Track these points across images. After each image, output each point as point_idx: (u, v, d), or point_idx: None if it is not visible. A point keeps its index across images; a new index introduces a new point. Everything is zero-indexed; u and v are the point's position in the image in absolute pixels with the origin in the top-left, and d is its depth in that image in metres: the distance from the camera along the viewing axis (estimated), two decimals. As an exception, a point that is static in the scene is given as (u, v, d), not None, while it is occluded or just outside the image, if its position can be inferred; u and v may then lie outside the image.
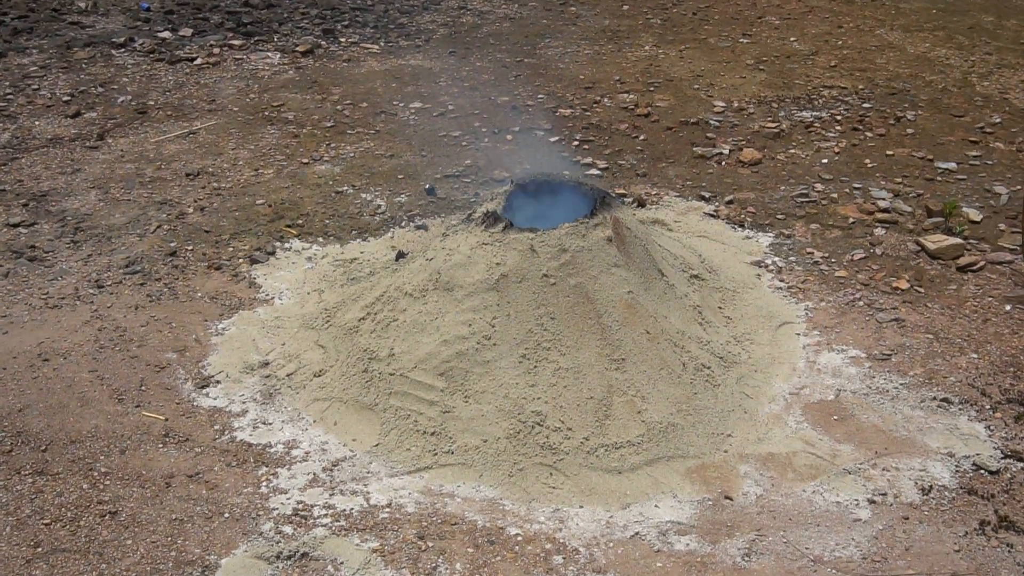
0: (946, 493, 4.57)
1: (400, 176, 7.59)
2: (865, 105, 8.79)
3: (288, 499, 4.51)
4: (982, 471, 4.69)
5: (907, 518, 4.42)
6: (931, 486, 4.60)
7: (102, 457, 4.76)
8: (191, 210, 7.05)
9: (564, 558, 4.21)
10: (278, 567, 4.15)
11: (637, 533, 4.35)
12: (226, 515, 4.42)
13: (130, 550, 4.23)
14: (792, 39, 10.57)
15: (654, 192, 7.25)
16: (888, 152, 7.89)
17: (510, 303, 5.02)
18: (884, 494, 4.56)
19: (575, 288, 5.06)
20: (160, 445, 4.85)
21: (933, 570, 4.15)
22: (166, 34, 10.65)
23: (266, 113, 8.79)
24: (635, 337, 5.06)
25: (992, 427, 4.97)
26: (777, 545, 4.28)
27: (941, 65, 9.73)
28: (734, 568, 4.17)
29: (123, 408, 5.09)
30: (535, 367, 4.90)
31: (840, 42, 10.47)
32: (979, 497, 4.54)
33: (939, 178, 7.48)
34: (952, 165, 7.63)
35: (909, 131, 8.27)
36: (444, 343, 5.01)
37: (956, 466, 4.72)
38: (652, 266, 5.44)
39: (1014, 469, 4.71)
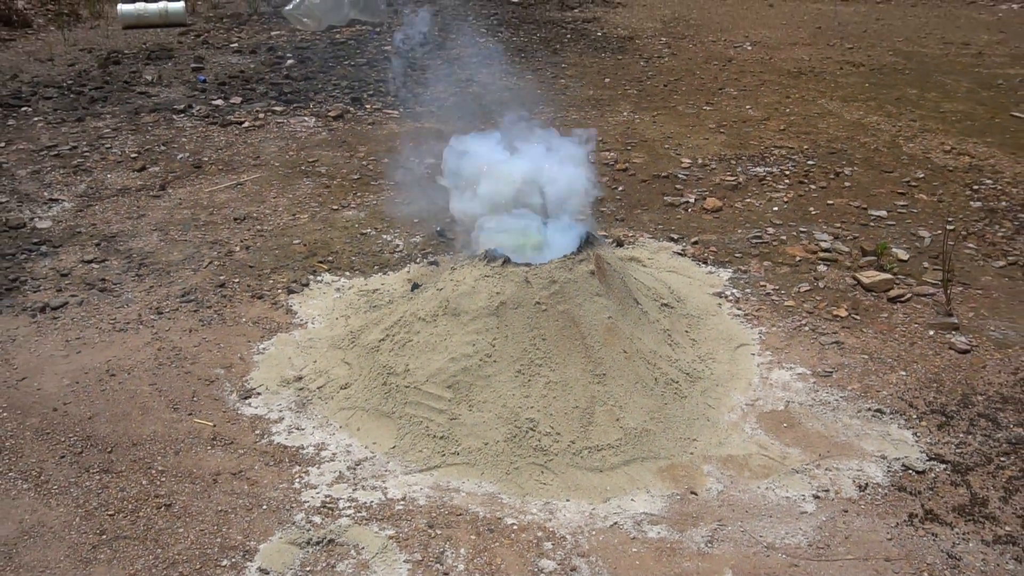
0: (879, 490, 4.54)
1: (415, 220, 7.60)
2: (809, 162, 8.82)
3: (317, 493, 4.49)
4: (910, 471, 4.66)
5: (846, 511, 4.39)
6: (867, 484, 4.57)
7: (159, 457, 4.73)
8: (238, 249, 7.06)
9: (553, 544, 4.18)
10: (308, 551, 4.11)
11: (616, 523, 4.31)
12: (264, 507, 4.39)
13: (182, 537, 4.19)
14: (748, 107, 10.62)
15: (631, 234, 7.26)
16: (829, 202, 7.90)
17: (508, 326, 5.02)
18: (827, 490, 4.53)
19: (563, 314, 5.06)
20: (208, 447, 4.82)
21: (869, 555, 4.11)
22: (219, 102, 10.71)
23: (302, 167, 8.82)
24: (614, 356, 5.05)
25: (919, 434, 4.95)
26: (736, 534, 4.25)
27: (873, 129, 9.77)
28: (698, 553, 4.13)
29: (178, 416, 5.07)
30: (529, 381, 4.89)
31: (788, 110, 10.52)
32: (908, 493, 4.51)
33: (872, 223, 7.49)
34: (883, 213, 7.64)
35: (846, 184, 8.29)
36: (451, 360, 5.00)
37: (888, 467, 4.70)
38: (628, 295, 5.43)
39: (938, 470, 4.68)
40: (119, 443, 4.82)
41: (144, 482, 4.54)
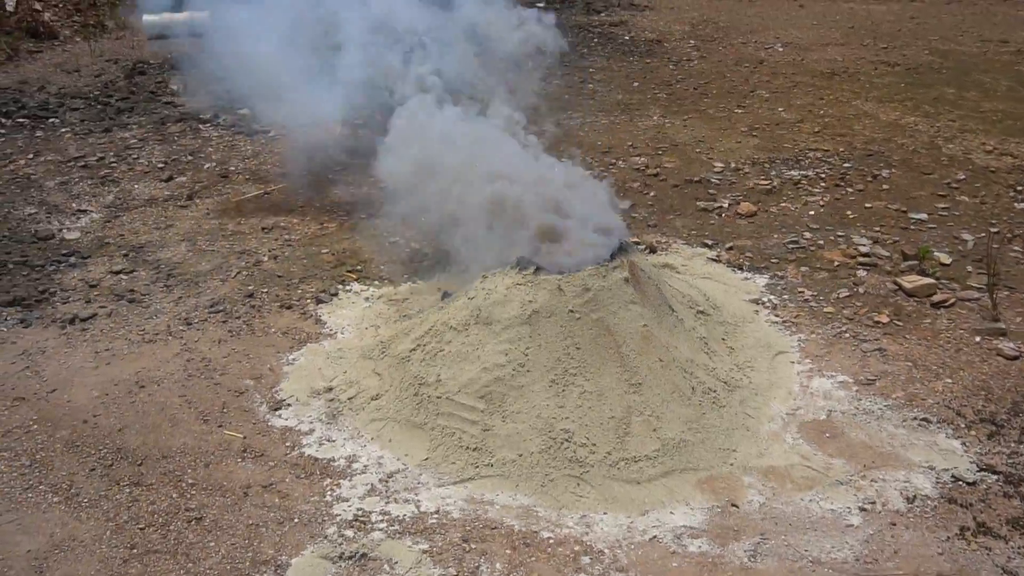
0: (929, 502, 4.44)
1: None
2: (845, 165, 8.71)
3: (349, 507, 4.45)
4: (960, 482, 4.56)
5: (894, 524, 4.29)
6: (915, 496, 4.47)
7: (189, 470, 4.72)
8: (266, 258, 7.07)
9: (591, 559, 4.11)
10: (341, 566, 4.08)
11: (655, 537, 4.24)
12: (296, 520, 4.36)
13: (213, 551, 4.17)
14: (780, 109, 10.52)
15: (664, 240, 7.20)
16: (867, 205, 7.79)
17: (541, 335, 4.97)
18: (873, 503, 4.43)
19: (597, 322, 5.00)
20: (239, 460, 4.81)
21: (919, 571, 4.01)
22: (245, 111, 10.73)
23: (329, 176, 8.81)
24: (650, 364, 4.98)
25: (967, 443, 4.84)
26: (780, 548, 4.16)
27: (911, 130, 9.64)
28: (741, 568, 4.05)
29: (208, 428, 5.06)
30: (563, 391, 4.84)
31: (822, 112, 10.40)
32: (959, 506, 4.41)
33: (912, 227, 7.37)
34: (923, 216, 7.53)
35: (885, 187, 8.17)
36: (484, 370, 4.96)
37: (937, 478, 4.60)
38: (664, 303, 5.37)
39: (989, 481, 4.57)
40: (149, 455, 4.81)
41: (174, 495, 4.53)
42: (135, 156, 9.32)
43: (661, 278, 5.61)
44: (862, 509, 4.39)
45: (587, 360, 4.91)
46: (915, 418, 5.04)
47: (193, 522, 4.35)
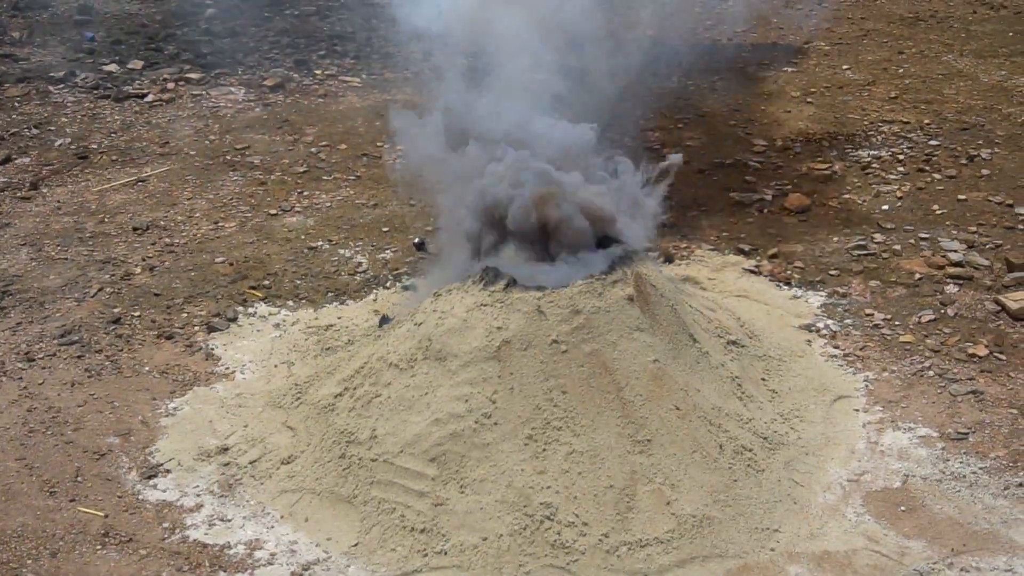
0: (1038, 599, 4.53)
1: (385, 229, 7.65)
2: (932, 142, 8.88)
3: (250, 611, 4.49)
4: (1080, 572, 4.65)
5: (991, 629, 4.37)
6: (1020, 590, 4.56)
7: (29, 561, 4.75)
8: (138, 270, 7.11)
9: None
10: None
11: (667, 649, 4.31)
12: (175, 631, 4.39)
13: (60, 672, 4.19)
14: (845, 67, 10.71)
15: (684, 245, 7.30)
16: (960, 196, 7.94)
17: (513, 375, 5.03)
18: (963, 600, 4.52)
19: (590, 356, 5.07)
20: (98, 547, 4.83)
21: None
22: (112, 67, 10.83)
23: (228, 157, 8.90)
24: (662, 414, 5.06)
25: (1090, 519, 4.94)
26: (836, 662, 4.23)
27: (1021, 95, 9.85)
28: None
29: (55, 503, 5.09)
30: (544, 450, 4.90)
31: (901, 70, 10.60)
32: (1077, 603, 4.50)
33: (1020, 226, 7.52)
34: (1035, 210, 7.69)
35: (984, 172, 8.33)
36: (436, 422, 5.01)
37: (1049, 566, 4.69)
38: (682, 330, 5.45)
39: (1118, 569, 4.66)
40: (-26, 542, 4.83)
41: (8, 596, 4.56)
42: (-42, 129, 9.36)
43: (679, 296, 5.69)
44: (950, 610, 4.47)
45: (577, 409, 4.98)
46: (1021, 485, 5.14)
47: (34, 633, 4.37)
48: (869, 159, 8.63)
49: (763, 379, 5.78)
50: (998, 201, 7.88)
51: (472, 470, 4.89)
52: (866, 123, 9.34)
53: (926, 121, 9.31)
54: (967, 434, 5.50)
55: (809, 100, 9.90)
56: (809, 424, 5.56)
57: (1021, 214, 7.68)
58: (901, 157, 8.64)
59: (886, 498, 5.10)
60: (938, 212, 7.76)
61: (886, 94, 9.98)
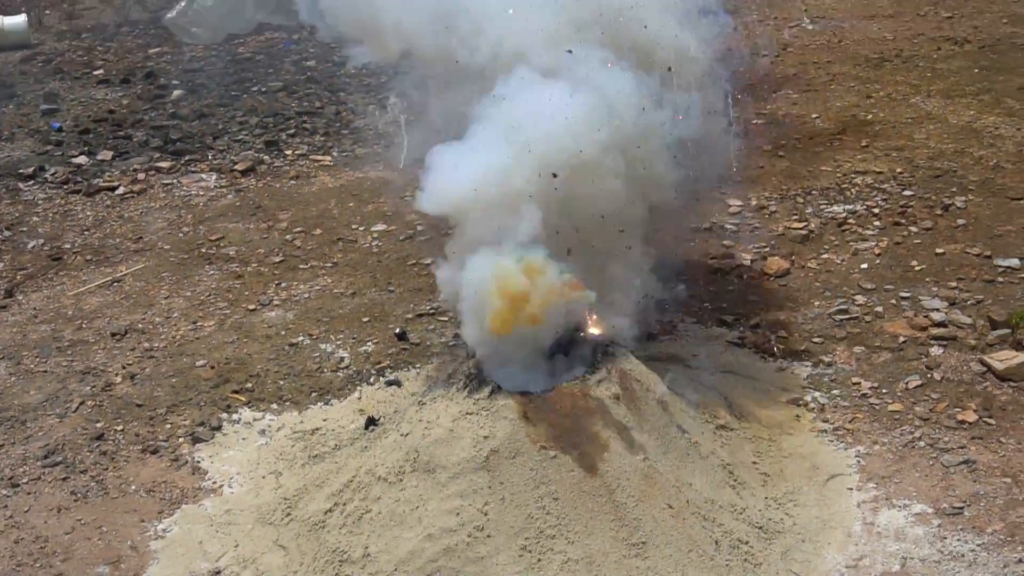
0: None
1: (365, 319, 7.64)
2: (906, 192, 8.93)
3: None
4: (1085, 654, 4.65)
5: None
6: (1026, 677, 4.55)
7: None
8: (119, 379, 7.08)
9: None
10: None
11: None
12: None
13: None
14: (814, 116, 10.78)
15: (665, 319, 7.28)
16: (938, 250, 7.98)
17: (504, 484, 5.03)
18: None
19: (580, 460, 5.07)
20: None
21: None
22: (81, 159, 10.82)
23: (203, 250, 8.89)
24: (656, 514, 5.06)
25: (1093, 594, 4.95)
26: None
27: (990, 136, 9.91)
28: None
29: (47, 644, 5.04)
30: (539, 560, 4.89)
31: (870, 116, 10.68)
32: None
33: (1000, 279, 7.55)
34: (1015, 262, 7.72)
35: (960, 221, 8.38)
36: (428, 538, 4.99)
37: (1053, 649, 4.68)
38: (670, 423, 5.47)
39: (1122, 648, 4.67)
40: None
41: None
42: (-72, 236, 9.33)
43: (664, 387, 5.69)
44: None
45: (570, 515, 4.98)
46: (1020, 561, 5.14)
47: None
48: (845, 214, 8.67)
49: (754, 462, 5.79)
50: (976, 253, 7.92)
51: (468, 585, 4.87)
52: (839, 175, 9.39)
53: (899, 170, 9.37)
54: (962, 508, 5.51)
55: (780, 153, 9.95)
56: (803, 508, 5.57)
57: (1000, 266, 7.71)
58: (876, 211, 8.68)
59: (886, 584, 5.11)
60: (917, 268, 7.79)
61: (857, 143, 10.05)
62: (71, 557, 5.57)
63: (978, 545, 5.28)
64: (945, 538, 5.34)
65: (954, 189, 8.94)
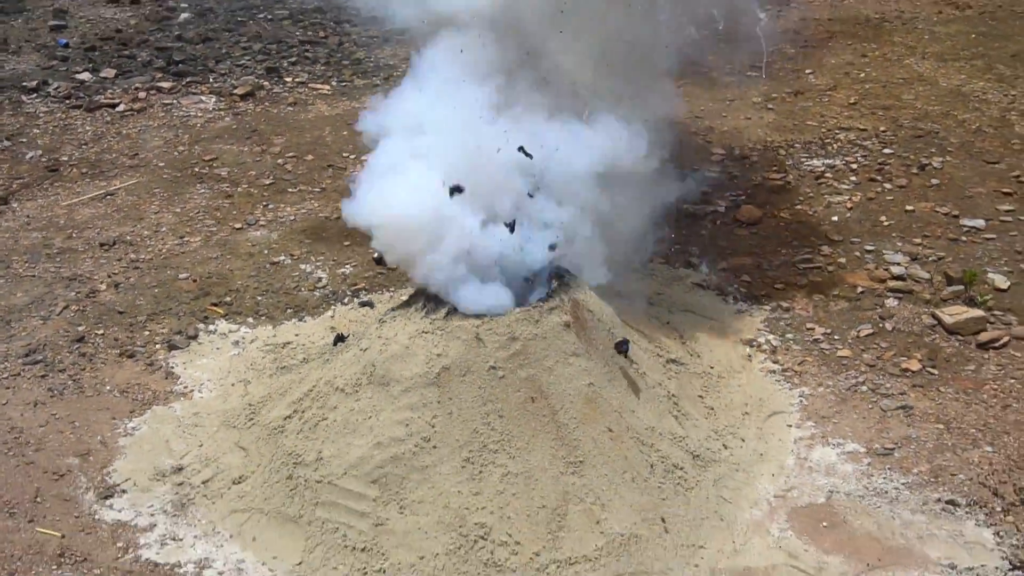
0: (944, 613, 4.80)
1: (347, 243, 7.88)
2: (886, 151, 9.11)
3: (196, 629, 4.76)
4: (987, 586, 4.93)
5: (897, 642, 4.65)
6: (928, 605, 4.84)
7: (-13, 581, 5.01)
8: (103, 287, 7.36)
9: None
10: None
11: (589, 664, 4.58)
12: (125, 650, 4.66)
13: None
14: (808, 72, 10.93)
15: (635, 258, 7.48)
16: (908, 207, 8.18)
17: (452, 400, 5.29)
18: (874, 614, 4.79)
19: (527, 381, 5.33)
20: (54, 567, 5.10)
21: None
22: (85, 75, 11.04)
23: (196, 169, 9.13)
24: (596, 436, 5.32)
25: (1002, 533, 5.21)
26: (747, 676, 4.51)
27: (977, 101, 10.06)
28: None
29: (14, 523, 5.35)
30: (480, 472, 5.16)
31: (863, 74, 10.82)
32: (981, 617, 4.78)
33: (963, 238, 7.76)
34: (980, 222, 7.92)
35: (934, 181, 8.57)
36: (378, 446, 5.27)
37: (957, 581, 4.96)
38: (619, 353, 5.70)
39: (1023, 584, 4.94)
40: (-66, 563, 5.10)
41: (-34, 617, 4.83)
42: (-69, 142, 9.59)
43: (617, 319, 5.94)
44: (859, 623, 4.75)
45: (513, 432, 5.24)
46: (939, 500, 5.41)
47: (-11, 653, 4.64)
48: (823, 168, 8.87)
49: (700, 396, 6.05)
50: (944, 212, 8.12)
51: (411, 492, 5.15)
52: (823, 130, 9.57)
53: (882, 128, 9.55)
54: (893, 450, 5.78)
55: (770, 106, 10.13)
56: (742, 441, 5.83)
57: (966, 226, 7.92)
58: (854, 166, 8.88)
59: (810, 514, 5.38)
60: (885, 224, 8.00)
61: (846, 100, 10.22)
62: (43, 448, 5.87)
63: (902, 484, 5.55)
64: (872, 476, 5.61)
65: (933, 150, 9.12)
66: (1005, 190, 8.42)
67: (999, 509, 5.37)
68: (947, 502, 5.41)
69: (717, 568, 5.07)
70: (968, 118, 9.72)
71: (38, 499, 5.51)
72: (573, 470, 5.22)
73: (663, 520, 5.21)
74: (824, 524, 5.31)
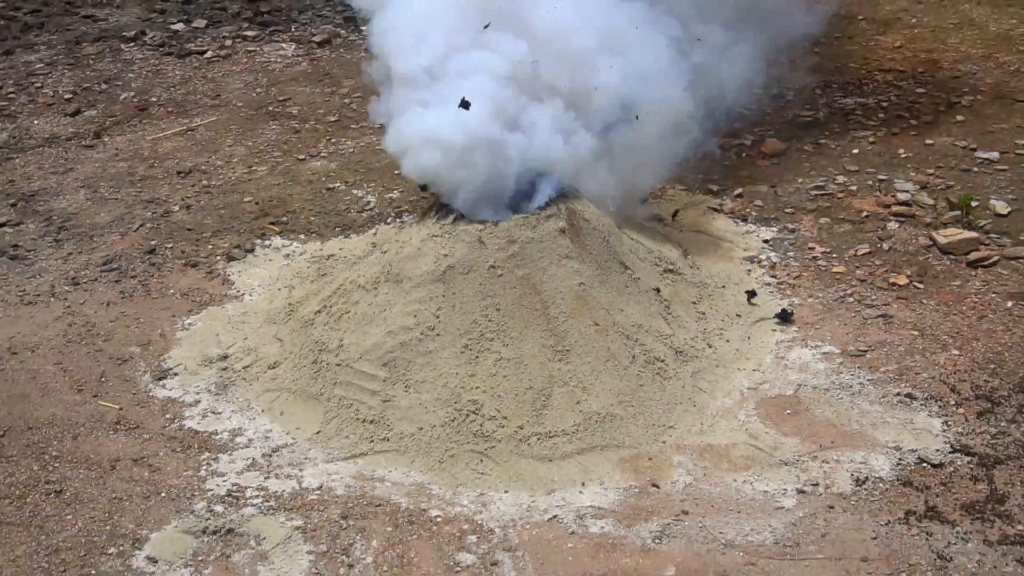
0: (880, 484, 5.34)
1: (397, 172, 8.50)
2: (919, 90, 9.48)
3: (224, 481, 5.54)
4: (924, 464, 5.44)
5: (832, 508, 5.21)
6: (867, 478, 5.38)
7: (55, 442, 5.87)
8: (176, 208, 8.20)
9: (478, 537, 5.13)
10: (203, 541, 5.17)
11: (555, 516, 5.24)
12: (163, 495, 5.47)
13: (69, 524, 5.30)
14: (860, 17, 11.25)
15: (659, 186, 8.07)
16: (928, 141, 8.58)
17: (456, 294, 5.97)
18: (816, 484, 5.35)
19: (522, 279, 5.98)
20: (111, 432, 5.93)
21: (843, 555, 4.94)
22: (179, 26, 11.93)
23: (270, 108, 9.94)
24: (582, 329, 5.95)
25: (950, 422, 5.71)
26: (691, 529, 5.12)
27: (1022, 44, 10.31)
28: (642, 549, 5.03)
29: (81, 398, 6.20)
30: (476, 357, 5.84)
31: (915, 19, 11.12)
32: (913, 489, 5.30)
33: (976, 169, 8.15)
34: (994, 155, 8.29)
35: (959, 118, 8.94)
36: (389, 334, 5.98)
37: (899, 459, 5.49)
38: (613, 259, 6.32)
39: (959, 463, 5.45)
40: (13, 427, 5.97)
41: (35, 468, 5.68)
42: (38, 85, 10.55)
43: (614, 229, 6.54)
44: (800, 491, 5.31)
45: (507, 323, 5.90)
46: (898, 394, 5.92)
47: (52, 495, 5.49)
48: (854, 106, 9.29)
49: (694, 303, 6.61)
50: (963, 145, 8.51)
51: (416, 373, 5.86)
52: (863, 72, 9.96)
53: (920, 70, 9.90)
54: (865, 351, 6.29)
55: (816, 50, 10.47)
56: (727, 342, 6.40)
57: (980, 157, 8.30)
58: (885, 104, 9.28)
59: (777, 403, 5.94)
60: (903, 156, 8.42)
61: (892, 43, 10.56)
62: (111, 339, 6.72)
63: (867, 380, 6.06)
64: (841, 373, 6.14)
65: (965, 90, 9.47)
66: (1027, 126, 8.76)
67: (953, 403, 5.86)
68: (905, 395, 5.92)
69: (683, 444, 5.68)
70: (1009, 60, 10.02)
71: (103, 379, 6.36)
72: (560, 358, 5.86)
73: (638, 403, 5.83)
74: (788, 411, 5.87)
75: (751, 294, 6.66)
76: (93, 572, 5.04)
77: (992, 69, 9.83)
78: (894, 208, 7.66)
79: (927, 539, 5.00)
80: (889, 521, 5.11)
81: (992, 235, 7.29)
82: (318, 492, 5.46)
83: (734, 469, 5.50)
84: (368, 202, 8.21)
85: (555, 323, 5.94)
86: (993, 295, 6.72)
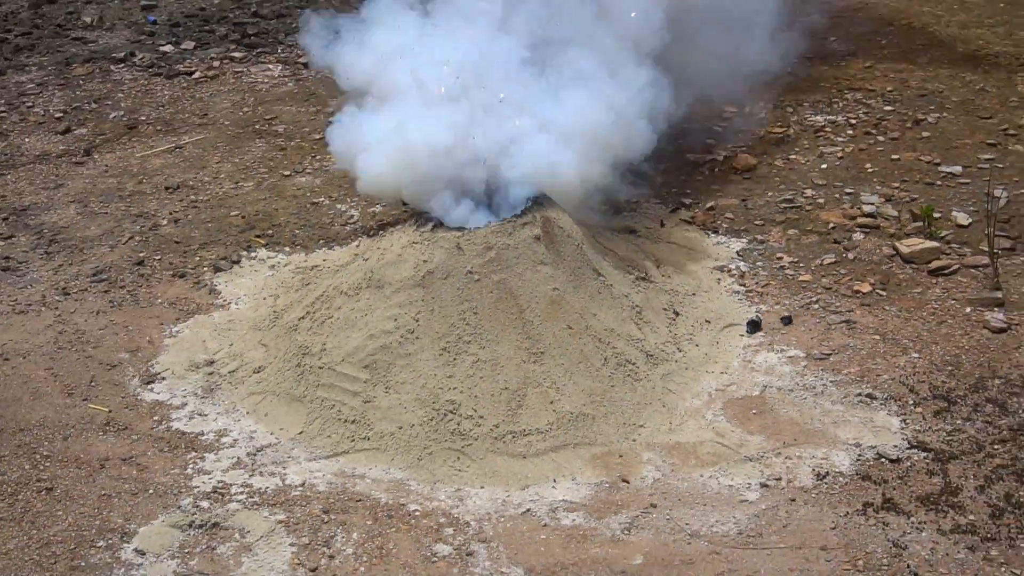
0: (840, 479, 5.56)
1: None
2: (887, 108, 9.74)
3: (210, 479, 5.74)
4: (882, 459, 5.67)
5: (793, 500, 5.43)
6: (827, 472, 5.59)
7: (46, 443, 6.05)
8: (164, 222, 8.41)
9: (454, 530, 5.34)
10: (189, 535, 5.36)
11: (528, 510, 5.45)
12: (150, 491, 5.66)
13: (59, 519, 5.49)
14: (832, 38, 11.51)
15: (631, 198, 8.30)
16: (894, 156, 8.83)
17: (435, 299, 6.19)
18: (778, 479, 5.57)
19: (498, 284, 6.20)
20: (100, 433, 6.12)
21: (803, 544, 5.15)
22: (167, 48, 12.17)
23: (256, 126, 10.16)
24: (556, 332, 6.17)
25: (908, 421, 5.94)
26: (659, 521, 5.33)
27: (987, 64, 10.60)
28: (612, 540, 5.24)
29: (71, 401, 6.39)
30: (454, 359, 6.05)
31: (884, 41, 11.40)
32: (872, 482, 5.52)
33: (939, 183, 8.40)
34: (957, 169, 8.54)
35: (925, 134, 9.19)
36: (371, 337, 6.19)
37: (859, 455, 5.71)
38: (586, 265, 6.54)
39: (916, 458, 5.67)
40: (5, 428, 6.15)
41: (27, 467, 5.86)
42: (29, 104, 10.77)
43: (588, 237, 6.77)
44: (763, 485, 5.53)
45: (484, 326, 6.12)
46: (859, 394, 6.14)
47: (43, 492, 5.67)
48: (824, 123, 9.54)
49: (665, 309, 6.83)
50: (928, 160, 8.76)
51: (396, 375, 6.07)
52: (833, 91, 10.21)
53: (889, 88, 10.17)
54: (829, 355, 6.52)
55: (788, 70, 10.74)
56: (696, 346, 6.62)
57: (943, 172, 8.55)
58: (854, 121, 9.54)
59: (743, 404, 6.16)
60: (869, 170, 8.68)
61: (861, 64, 10.82)
62: (100, 345, 6.91)
63: (830, 381, 6.29)
64: (805, 375, 6.36)
65: (932, 107, 9.73)
66: (990, 141, 9.01)
67: (911, 403, 6.09)
68: (866, 396, 6.15)
69: (652, 442, 5.89)
70: (975, 79, 10.28)
71: (92, 383, 6.55)
72: (534, 359, 6.07)
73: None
74: (754, 411, 6.09)
75: (755, 325, 6.81)
76: (83, 564, 5.23)
77: (959, 88, 10.10)
78: (860, 220, 7.90)
79: (884, 529, 5.21)
80: (848, 512, 5.33)
81: (953, 245, 7.53)
82: (301, 488, 5.66)
83: (701, 465, 5.72)
84: (351, 216, 8.42)
85: (530, 326, 6.15)
86: (952, 301, 6.95)
